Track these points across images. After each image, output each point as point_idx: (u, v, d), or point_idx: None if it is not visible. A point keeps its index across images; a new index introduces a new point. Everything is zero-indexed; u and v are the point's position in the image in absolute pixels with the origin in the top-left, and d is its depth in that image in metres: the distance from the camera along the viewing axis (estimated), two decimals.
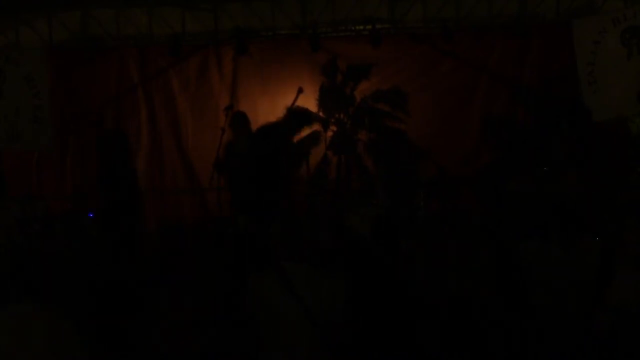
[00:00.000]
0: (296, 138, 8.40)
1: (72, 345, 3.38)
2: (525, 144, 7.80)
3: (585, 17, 7.92)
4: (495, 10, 8.38)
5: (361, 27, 8.50)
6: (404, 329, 4.14)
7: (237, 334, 4.00)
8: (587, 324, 4.14)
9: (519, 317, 4.41)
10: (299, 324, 3.71)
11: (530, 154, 7.66)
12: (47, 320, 3.42)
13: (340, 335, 3.78)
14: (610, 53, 7.57)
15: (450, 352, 4.25)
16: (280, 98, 8.28)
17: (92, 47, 8.57)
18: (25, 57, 8.12)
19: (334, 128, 8.76)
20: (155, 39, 8.57)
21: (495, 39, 8.62)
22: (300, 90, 7.44)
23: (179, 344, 4.66)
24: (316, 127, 8.73)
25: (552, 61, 8.27)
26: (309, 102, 8.47)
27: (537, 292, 4.43)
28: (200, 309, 5.38)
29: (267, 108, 8.60)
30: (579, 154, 7.46)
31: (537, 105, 8.00)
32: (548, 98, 7.99)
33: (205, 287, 5.74)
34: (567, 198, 6.50)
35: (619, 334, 3.98)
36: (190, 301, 5.48)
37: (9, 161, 7.98)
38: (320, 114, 8.75)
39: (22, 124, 7.96)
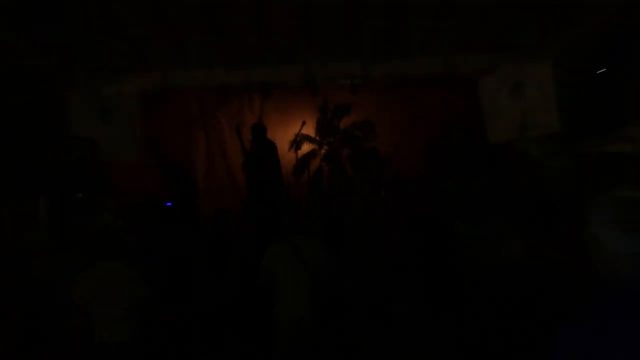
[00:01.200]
0: (300, 154, 8.64)
1: (143, 292, 3.81)
2: (449, 159, 8.07)
3: (488, 75, 8.13)
4: (432, 69, 8.27)
5: (344, 81, 8.60)
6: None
7: (259, 287, 4.25)
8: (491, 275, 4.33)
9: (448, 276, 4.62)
10: (303, 277, 4.00)
11: (452, 165, 7.91)
12: (125, 271, 3.85)
13: (331, 287, 4.08)
14: (503, 99, 7.78)
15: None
16: (291, 127, 8.63)
17: (166, 93, 8.70)
18: (125, 100, 8.13)
19: (326, 147, 9.32)
20: (209, 89, 8.70)
21: (431, 88, 8.86)
22: (303, 123, 8.05)
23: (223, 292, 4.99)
24: (314, 146, 9.28)
25: (468, 104, 8.44)
26: (310, 130, 9.01)
27: (464, 254, 4.74)
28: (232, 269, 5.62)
29: (282, 134, 8.93)
30: (481, 165, 7.71)
31: (456, 132, 8.34)
32: (464, 128, 8.29)
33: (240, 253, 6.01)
34: (476, 195, 6.68)
35: (512, 283, 4.08)
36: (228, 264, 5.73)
37: (115, 166, 8.01)
38: (317, 137, 9.30)
39: (122, 143, 7.88)
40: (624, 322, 1.37)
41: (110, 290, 3.73)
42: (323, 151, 9.17)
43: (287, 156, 8.51)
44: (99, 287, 3.75)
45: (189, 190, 7.76)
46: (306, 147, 9.04)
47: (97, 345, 3.68)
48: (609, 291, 1.48)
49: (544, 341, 1.72)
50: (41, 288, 4.45)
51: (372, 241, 6.05)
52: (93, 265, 3.87)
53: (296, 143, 8.25)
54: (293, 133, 8.24)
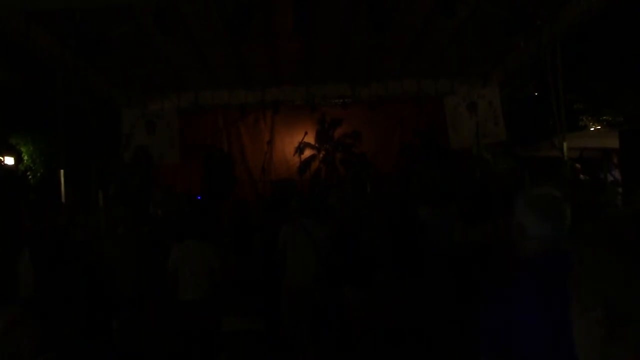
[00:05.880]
0: (303, 157, 8.98)
1: (214, 258, 4.09)
2: (419, 160, 7.93)
3: (449, 96, 8.54)
4: (407, 90, 8.74)
5: (337, 100, 9.00)
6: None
7: (276, 255, 4.42)
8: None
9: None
10: (309, 250, 4.18)
11: (422, 165, 7.76)
12: (203, 247, 4.14)
13: (330, 257, 4.19)
14: (462, 114, 8.22)
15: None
16: (295, 137, 8.93)
17: (198, 109, 9.03)
18: (166, 114, 8.62)
19: (323, 152, 9.66)
20: (232, 106, 9.02)
21: (406, 105, 9.12)
22: (306, 133, 8.54)
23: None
24: (314, 152, 9.56)
25: (434, 117, 8.65)
26: (310, 138, 9.23)
27: (425, 231, 4.69)
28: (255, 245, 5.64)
29: (288, 142, 9.32)
30: (443, 164, 7.63)
31: (424, 139, 8.30)
32: (430, 136, 8.26)
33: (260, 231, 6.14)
34: (439, 185, 6.54)
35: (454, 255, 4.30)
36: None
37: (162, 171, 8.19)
38: (316, 144, 9.61)
39: (165, 149, 8.18)
40: (530, 286, 1.50)
41: (192, 259, 3.95)
42: (321, 155, 9.46)
43: (293, 159, 9.04)
44: (184, 257, 3.98)
45: (216, 185, 7.95)
46: (308, 152, 9.28)
47: (179, 301, 3.94)
48: (521, 264, 1.58)
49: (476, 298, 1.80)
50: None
51: (359, 223, 6.18)
52: (181, 241, 4.09)
53: (300, 149, 8.65)
54: (297, 141, 8.64)
